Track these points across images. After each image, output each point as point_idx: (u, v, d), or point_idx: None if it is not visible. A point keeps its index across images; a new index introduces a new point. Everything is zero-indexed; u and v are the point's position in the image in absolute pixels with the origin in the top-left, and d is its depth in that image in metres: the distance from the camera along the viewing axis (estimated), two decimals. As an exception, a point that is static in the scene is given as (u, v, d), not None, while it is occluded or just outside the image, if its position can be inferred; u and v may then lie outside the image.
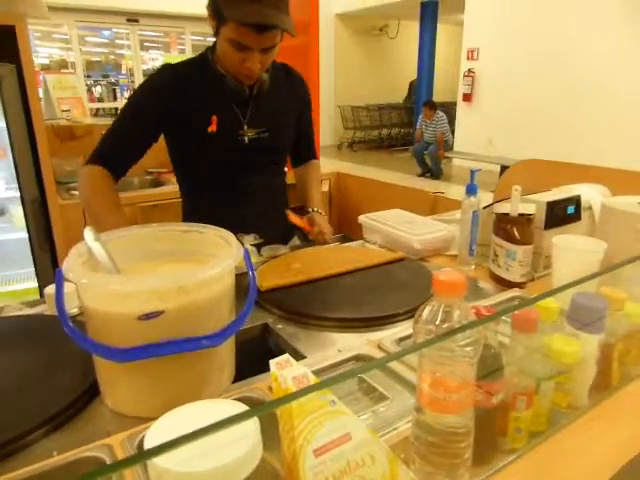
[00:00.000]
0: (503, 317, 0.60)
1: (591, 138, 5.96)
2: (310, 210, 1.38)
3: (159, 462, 0.34)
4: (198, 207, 1.35)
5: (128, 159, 1.23)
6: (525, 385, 0.57)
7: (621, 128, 5.76)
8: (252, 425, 0.38)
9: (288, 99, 1.35)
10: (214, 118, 1.20)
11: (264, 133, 1.27)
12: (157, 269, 0.77)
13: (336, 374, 0.70)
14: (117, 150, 1.21)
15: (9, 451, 0.61)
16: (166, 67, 1.24)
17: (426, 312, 0.50)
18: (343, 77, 10.20)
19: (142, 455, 0.32)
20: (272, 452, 0.49)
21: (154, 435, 0.37)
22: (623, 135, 5.74)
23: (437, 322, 0.49)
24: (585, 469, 0.58)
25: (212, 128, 1.20)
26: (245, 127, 1.25)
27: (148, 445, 0.36)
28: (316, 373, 0.55)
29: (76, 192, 2.43)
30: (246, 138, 1.25)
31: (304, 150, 1.50)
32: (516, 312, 0.56)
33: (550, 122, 6.51)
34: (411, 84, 10.79)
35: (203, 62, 1.23)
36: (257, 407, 0.34)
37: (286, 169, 1.47)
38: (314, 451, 0.48)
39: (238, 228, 1.06)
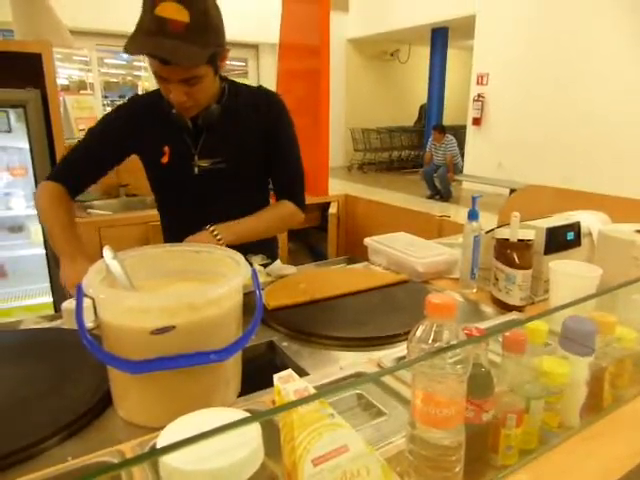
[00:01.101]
0: (495, 338, 0.63)
1: (598, 165, 5.98)
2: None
3: (170, 461, 0.38)
4: (167, 228, 1.39)
5: (84, 179, 1.25)
6: (515, 404, 0.60)
7: (631, 156, 5.78)
8: (254, 431, 0.42)
9: (252, 126, 1.26)
10: (166, 149, 1.22)
11: (220, 163, 1.24)
12: (169, 287, 0.81)
13: (333, 387, 0.73)
14: (74, 170, 1.23)
15: (25, 456, 0.65)
16: (132, 98, 1.28)
17: (419, 332, 0.54)
18: (354, 100, 10.38)
19: (154, 452, 0.36)
20: (274, 461, 0.53)
21: (166, 436, 0.41)
22: (632, 162, 5.76)
23: (429, 341, 0.53)
24: (574, 487, 0.60)
25: (165, 159, 1.22)
26: (196, 158, 1.23)
27: (161, 445, 0.39)
28: (317, 389, 0.58)
29: (92, 210, 2.50)
30: (196, 169, 1.24)
31: (279, 184, 1.35)
32: (506, 333, 0.60)
33: (559, 147, 6.55)
34: (421, 108, 10.93)
35: (160, 95, 1.18)
36: (259, 413, 0.37)
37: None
38: (313, 460, 0.51)
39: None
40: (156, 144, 1.23)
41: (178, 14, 0.97)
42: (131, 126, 1.23)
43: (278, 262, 1.40)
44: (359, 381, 0.42)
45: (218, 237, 1.12)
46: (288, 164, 1.33)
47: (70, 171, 1.23)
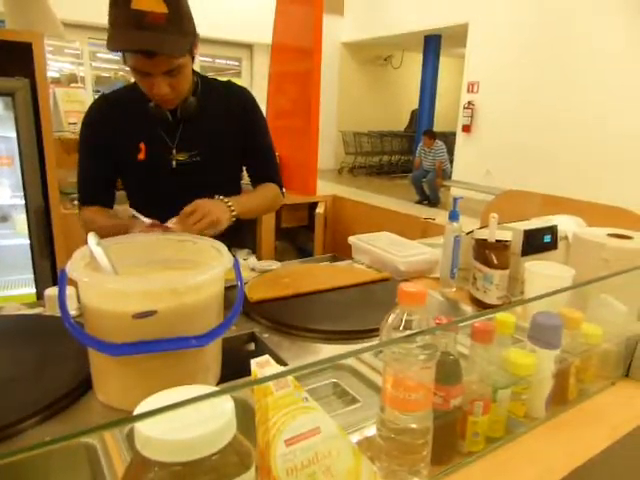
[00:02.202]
0: (465, 332, 0.66)
1: (586, 174, 6.09)
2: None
3: (144, 430, 0.39)
4: None
5: (107, 190, 1.28)
6: (482, 392, 0.63)
7: (616, 165, 5.90)
8: (227, 404, 0.43)
9: (224, 120, 1.28)
10: (142, 146, 1.21)
11: (197, 157, 1.25)
12: (153, 274, 0.82)
13: (309, 372, 0.74)
14: (93, 188, 1.27)
15: (5, 435, 0.66)
16: (100, 98, 1.27)
17: (391, 319, 0.56)
18: (347, 103, 10.43)
19: (130, 419, 0.38)
20: (249, 441, 0.55)
21: (143, 408, 0.43)
22: (617, 171, 5.88)
23: (400, 328, 0.55)
24: (535, 473, 0.63)
25: (141, 155, 1.21)
26: (174, 151, 1.23)
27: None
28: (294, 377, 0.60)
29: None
30: (174, 162, 1.23)
31: (259, 174, 1.38)
32: (475, 324, 0.62)
33: (546, 156, 6.66)
34: (413, 113, 11.03)
35: (134, 90, 1.20)
36: (231, 386, 0.39)
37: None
38: (285, 441, 0.53)
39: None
40: (131, 141, 1.22)
41: (156, 5, 0.97)
42: (106, 126, 1.22)
43: (253, 258, 1.41)
44: (330, 359, 0.44)
45: (232, 208, 1.12)
46: (267, 153, 1.38)
47: (90, 194, 1.27)
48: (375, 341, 0.98)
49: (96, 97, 1.28)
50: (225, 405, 0.43)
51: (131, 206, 1.33)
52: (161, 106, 1.18)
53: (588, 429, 0.72)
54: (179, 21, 1.02)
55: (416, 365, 0.54)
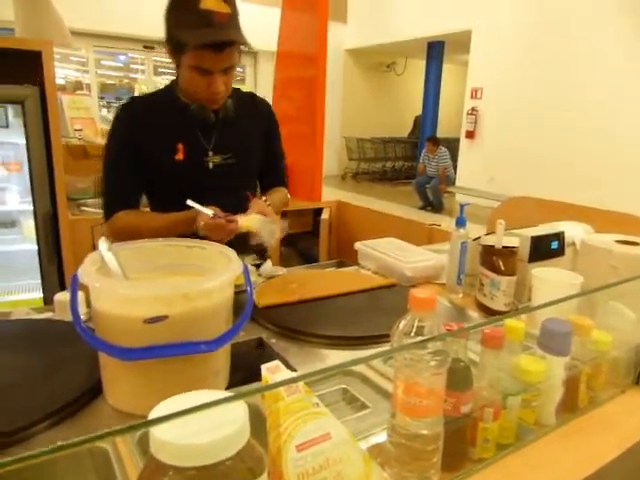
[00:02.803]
0: (475, 338, 0.66)
1: (590, 181, 6.08)
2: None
3: (159, 434, 0.40)
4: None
5: (135, 194, 1.29)
6: (493, 398, 0.63)
7: (622, 171, 5.89)
8: (241, 410, 0.44)
9: (253, 126, 1.36)
10: (180, 146, 1.24)
11: (230, 159, 1.29)
12: (162, 279, 0.83)
13: (319, 378, 0.75)
14: (121, 194, 1.27)
15: (16, 439, 0.66)
16: (129, 102, 1.29)
17: (402, 325, 0.56)
18: (350, 109, 10.47)
19: (145, 423, 0.38)
20: (262, 447, 0.55)
21: (157, 413, 0.43)
22: (623, 178, 5.87)
23: (412, 334, 0.55)
24: (547, 480, 0.63)
25: (179, 156, 1.24)
26: (210, 153, 1.27)
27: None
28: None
29: (85, 208, 2.51)
30: (211, 164, 1.27)
31: (272, 178, 1.46)
32: (485, 330, 0.62)
33: (550, 163, 6.65)
34: (416, 119, 11.05)
35: (168, 93, 1.26)
36: (245, 391, 0.40)
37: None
38: (297, 446, 0.53)
39: None
40: (167, 142, 1.24)
41: (220, 7, 1.07)
42: (138, 127, 1.24)
43: (269, 263, 1.42)
44: (341, 365, 0.44)
45: (270, 207, 1.20)
46: (281, 159, 1.49)
47: (119, 199, 1.26)
48: (382, 347, 0.99)
49: (123, 101, 1.31)
50: (239, 410, 0.44)
51: (155, 209, 1.34)
52: (206, 107, 1.22)
53: (598, 437, 0.72)
54: (237, 21, 1.13)
55: (427, 371, 0.54)
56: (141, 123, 1.24)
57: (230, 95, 1.27)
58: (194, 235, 1.08)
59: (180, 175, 1.28)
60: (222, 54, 1.10)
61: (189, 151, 1.25)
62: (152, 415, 0.44)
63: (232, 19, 1.10)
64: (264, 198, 1.24)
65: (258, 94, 1.44)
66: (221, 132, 1.28)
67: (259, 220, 1.11)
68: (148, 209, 1.34)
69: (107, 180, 1.27)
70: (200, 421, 0.41)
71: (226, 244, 0.89)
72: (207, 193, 1.23)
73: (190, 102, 1.22)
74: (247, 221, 1.10)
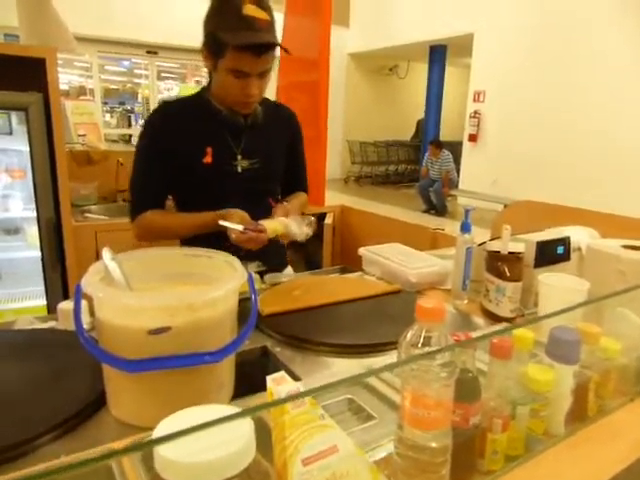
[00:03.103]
0: (483, 348, 0.65)
1: (593, 183, 6.06)
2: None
3: (164, 452, 0.39)
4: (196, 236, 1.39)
5: (162, 196, 1.34)
6: (501, 409, 0.62)
7: (626, 175, 5.87)
8: (246, 426, 0.43)
9: (278, 132, 1.41)
10: (209, 150, 1.27)
11: (256, 164, 1.33)
12: (167, 289, 0.82)
13: (323, 386, 0.74)
14: (149, 195, 1.31)
15: (19, 453, 0.66)
16: (161, 106, 1.34)
17: (409, 336, 0.55)
18: (353, 113, 10.48)
19: (150, 442, 0.37)
20: (267, 460, 0.54)
21: (162, 430, 0.43)
22: (628, 181, 5.84)
23: (419, 345, 0.54)
24: (557, 493, 0.62)
25: (207, 159, 1.27)
26: (239, 157, 1.31)
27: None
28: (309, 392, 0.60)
29: (89, 215, 2.52)
30: (239, 168, 1.31)
31: (294, 184, 1.51)
32: (493, 340, 0.61)
33: (553, 165, 6.64)
34: (419, 122, 11.05)
35: (200, 99, 1.31)
36: (251, 408, 0.39)
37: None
38: (302, 460, 0.52)
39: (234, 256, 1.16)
40: (197, 145, 1.28)
41: (261, 14, 1.14)
42: (169, 131, 1.28)
43: (289, 268, 1.48)
44: (350, 379, 0.43)
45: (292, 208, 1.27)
46: (304, 166, 1.55)
47: (146, 200, 1.30)
48: (388, 354, 0.98)
49: (156, 106, 1.37)
50: (244, 426, 0.43)
51: (181, 211, 1.37)
52: (240, 111, 1.28)
53: (608, 447, 0.71)
54: (274, 28, 1.19)
55: (436, 382, 0.53)
56: (171, 127, 1.28)
57: (260, 102, 1.32)
58: (222, 238, 1.13)
59: (208, 178, 1.31)
60: (261, 57, 1.16)
61: (217, 155, 1.29)
62: (157, 431, 0.44)
63: (271, 25, 1.17)
64: (285, 203, 1.30)
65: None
66: (250, 137, 1.33)
67: (285, 223, 1.17)
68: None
69: (135, 181, 1.32)
70: (205, 438, 0.41)
71: (229, 249, 0.89)
72: (233, 196, 1.28)
73: (221, 107, 1.27)
74: (273, 226, 1.16)
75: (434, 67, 9.35)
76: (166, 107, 1.34)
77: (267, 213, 1.26)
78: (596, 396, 0.76)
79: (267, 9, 1.15)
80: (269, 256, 1.36)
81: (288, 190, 1.50)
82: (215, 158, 1.28)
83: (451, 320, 1.19)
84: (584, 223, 1.40)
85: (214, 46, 1.18)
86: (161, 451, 0.39)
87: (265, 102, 1.38)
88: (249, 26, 1.12)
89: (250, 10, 1.12)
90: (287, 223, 1.17)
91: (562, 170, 6.52)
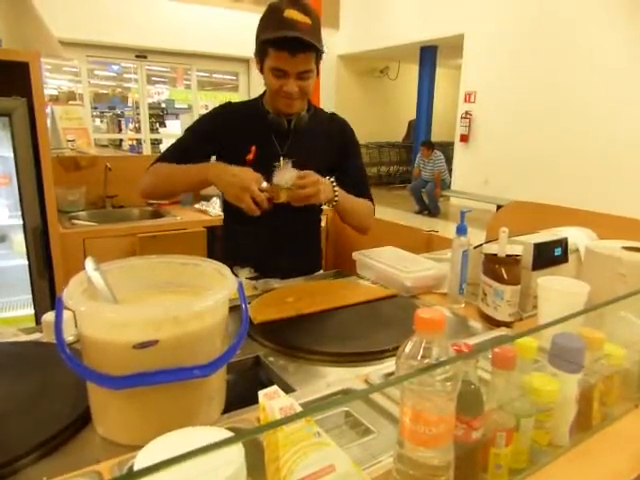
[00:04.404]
0: (484, 354, 0.63)
1: (585, 183, 6.08)
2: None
3: (147, 484, 0.36)
4: (233, 238, 1.50)
5: (186, 163, 1.36)
6: (505, 422, 0.59)
7: (618, 174, 5.90)
8: (236, 451, 0.40)
9: (327, 141, 1.45)
10: (253, 148, 1.34)
11: (299, 167, 1.28)
12: (153, 299, 0.79)
13: (318, 403, 0.71)
14: (177, 156, 1.36)
15: (2, 474, 0.62)
16: (226, 105, 1.44)
17: (408, 348, 0.53)
18: (344, 115, 10.29)
19: (130, 475, 0.34)
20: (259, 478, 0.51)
21: (144, 457, 0.39)
22: (619, 180, 5.87)
23: (418, 357, 0.52)
24: (564, 508, 0.59)
25: (250, 156, 1.34)
26: (282, 158, 1.37)
27: (138, 467, 0.38)
28: (304, 405, 0.57)
29: (77, 221, 2.47)
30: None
31: (354, 189, 1.43)
32: (496, 350, 0.59)
33: (544, 165, 6.67)
34: (410, 124, 11.07)
35: (255, 102, 1.42)
36: (241, 433, 0.36)
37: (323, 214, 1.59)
38: (297, 481, 0.49)
39: (261, 261, 1.35)
40: (244, 143, 1.35)
41: (302, 17, 1.20)
42: (224, 125, 1.38)
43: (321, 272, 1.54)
44: (346, 398, 0.41)
45: (336, 192, 1.30)
46: (362, 173, 1.56)
47: (172, 157, 1.36)
48: (384, 362, 0.95)
49: (222, 103, 1.46)
50: (234, 451, 0.40)
51: (226, 210, 1.50)
52: (281, 114, 1.34)
53: (614, 456, 0.68)
54: (318, 32, 1.25)
55: (437, 397, 0.50)
56: (226, 121, 1.39)
57: (308, 109, 1.40)
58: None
59: None
60: (297, 57, 1.21)
61: (261, 154, 1.34)
62: (140, 458, 0.41)
63: (312, 29, 1.21)
64: (332, 181, 1.30)
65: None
66: (295, 140, 1.39)
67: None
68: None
69: (172, 145, 1.41)
70: (192, 466, 0.38)
71: (221, 255, 0.86)
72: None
73: (270, 111, 1.36)
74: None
75: (425, 68, 9.36)
76: (228, 106, 1.43)
77: (299, 222, 1.42)
78: (600, 404, 0.73)
79: (309, 14, 1.21)
80: (300, 260, 1.45)
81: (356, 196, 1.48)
82: (258, 156, 1.34)
83: (448, 325, 1.16)
84: (579, 223, 1.38)
85: (259, 48, 1.27)
86: (143, 482, 0.36)
87: (317, 111, 1.46)
88: (289, 26, 1.18)
89: (291, 13, 1.19)
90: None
91: (554, 170, 6.54)
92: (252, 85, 9.16)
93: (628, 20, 5.69)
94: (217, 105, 1.45)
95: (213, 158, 1.41)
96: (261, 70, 1.30)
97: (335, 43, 9.90)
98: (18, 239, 2.03)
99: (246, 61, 9.06)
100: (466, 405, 0.55)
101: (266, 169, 1.29)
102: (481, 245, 1.24)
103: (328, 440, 0.52)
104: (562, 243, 1.20)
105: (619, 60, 5.82)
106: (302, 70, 1.25)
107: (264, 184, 1.16)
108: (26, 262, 1.95)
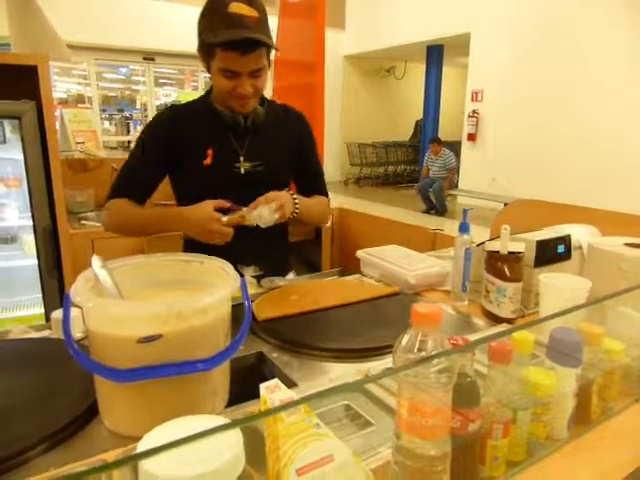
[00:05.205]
0: (482, 348, 0.63)
1: (593, 181, 6.04)
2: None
3: (149, 467, 0.37)
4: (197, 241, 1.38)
5: (143, 191, 1.30)
6: (502, 414, 0.60)
7: (624, 172, 5.85)
8: (235, 438, 0.41)
9: (285, 135, 1.38)
10: (209, 151, 1.26)
11: (260, 166, 1.30)
12: (159, 296, 0.81)
13: (315, 394, 0.72)
14: (131, 182, 1.29)
15: (9, 466, 0.64)
16: (170, 108, 1.34)
17: (404, 341, 0.54)
18: (351, 115, 10.47)
19: (132, 457, 0.36)
20: (260, 473, 0.52)
21: (147, 443, 0.41)
22: (626, 179, 5.82)
23: (415, 350, 0.53)
24: (561, 499, 0.60)
25: (208, 161, 1.26)
26: (242, 159, 1.29)
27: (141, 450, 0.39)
28: (304, 399, 0.58)
29: (85, 222, 2.50)
30: (242, 169, 1.29)
31: (310, 188, 1.45)
32: (492, 343, 0.60)
33: (552, 164, 6.62)
34: (417, 123, 11.05)
35: (203, 101, 1.32)
36: (238, 420, 0.37)
37: None
38: (297, 470, 0.50)
39: (233, 261, 1.13)
40: (199, 147, 1.27)
41: (249, 11, 1.11)
42: (174, 131, 1.27)
43: (291, 274, 1.48)
44: (341, 388, 0.42)
45: (296, 205, 1.22)
46: (318, 170, 1.50)
47: (127, 187, 1.28)
48: (386, 358, 0.96)
49: (163, 107, 1.39)
50: (233, 438, 0.41)
51: None
52: (236, 111, 1.25)
53: (613, 450, 0.69)
54: (266, 25, 1.17)
55: (433, 389, 0.51)
56: (175, 128, 1.28)
57: (261, 103, 1.31)
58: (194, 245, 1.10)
59: (209, 180, 1.29)
60: (248, 56, 1.13)
61: (219, 156, 1.27)
62: (142, 444, 0.42)
63: (260, 23, 1.13)
64: (293, 194, 1.24)
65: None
66: (254, 139, 1.31)
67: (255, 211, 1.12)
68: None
69: (123, 168, 1.31)
70: (191, 451, 0.39)
71: (226, 253, 0.87)
72: (235, 199, 1.21)
73: (222, 108, 1.26)
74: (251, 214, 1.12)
75: (431, 67, 9.34)
76: (172, 109, 1.33)
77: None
78: (600, 398, 0.74)
79: (256, 5, 1.12)
80: (269, 262, 1.34)
81: (305, 196, 1.41)
82: (216, 160, 1.27)
83: (451, 322, 1.18)
84: (585, 221, 1.38)
85: (204, 48, 1.18)
86: (145, 465, 0.38)
87: (271, 104, 1.37)
88: (234, 24, 1.10)
89: (236, 8, 1.09)
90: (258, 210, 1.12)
91: (561, 168, 6.50)
92: (259, 86, 9.19)
93: (638, 17, 5.64)
94: (158, 113, 1.35)
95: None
96: (208, 69, 1.22)
97: (341, 43, 9.92)
98: (28, 239, 2.06)
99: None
100: (463, 397, 0.56)
101: (226, 172, 1.27)
102: (484, 243, 1.24)
103: (327, 431, 0.53)
104: (565, 240, 1.20)
105: (629, 58, 5.77)
106: (255, 69, 1.17)
107: (224, 219, 1.10)
108: (36, 262, 1.99)
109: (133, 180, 1.29)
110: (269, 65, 1.23)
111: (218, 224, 1.08)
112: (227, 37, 1.10)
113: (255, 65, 1.16)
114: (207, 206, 1.11)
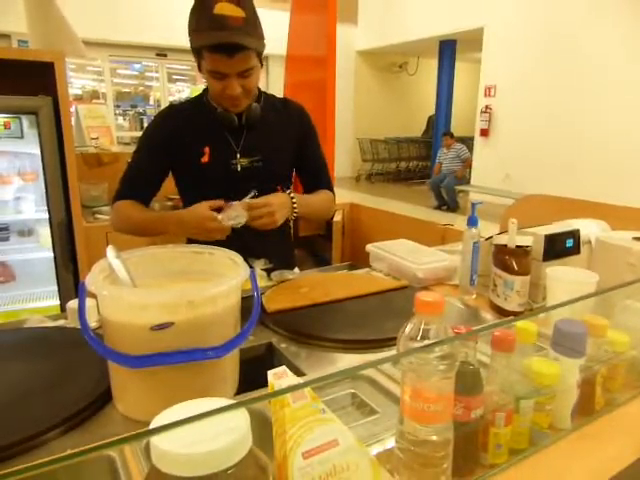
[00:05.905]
0: (485, 339, 0.64)
1: (607, 176, 5.96)
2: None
3: (159, 443, 0.39)
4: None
5: (147, 190, 1.33)
6: (504, 403, 0.61)
7: (636, 168, 5.76)
8: (242, 418, 0.43)
9: (285, 129, 1.37)
10: (206, 149, 1.27)
11: (258, 162, 1.31)
12: (170, 286, 0.83)
13: (326, 383, 0.74)
14: (135, 183, 1.31)
15: (25, 448, 0.67)
16: (167, 107, 1.36)
17: (408, 329, 0.55)
18: (363, 111, 10.45)
19: (146, 432, 0.38)
20: (266, 454, 0.54)
21: (159, 421, 0.43)
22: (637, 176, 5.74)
23: (418, 338, 0.54)
24: (562, 487, 0.61)
25: (205, 159, 1.27)
26: (238, 155, 1.29)
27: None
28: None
29: (100, 215, 2.55)
30: (239, 166, 1.29)
31: (314, 182, 1.46)
32: (495, 332, 0.61)
33: (565, 159, 6.54)
34: (429, 119, 10.98)
35: (200, 100, 1.33)
36: (245, 400, 0.39)
37: None
38: (303, 453, 0.52)
39: (242, 254, 1.16)
40: (197, 145, 1.28)
41: (234, 11, 1.09)
42: (174, 130, 1.29)
43: (296, 269, 1.47)
44: (345, 372, 0.43)
45: (295, 205, 1.23)
46: (321, 163, 1.48)
47: (131, 188, 1.31)
48: (393, 350, 0.97)
49: (162, 108, 1.39)
50: (240, 418, 0.43)
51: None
52: (229, 110, 1.25)
53: (615, 441, 0.70)
54: (254, 25, 1.15)
55: (435, 376, 0.53)
56: (176, 127, 1.29)
57: (257, 99, 1.31)
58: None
59: (207, 178, 1.30)
60: (235, 57, 1.12)
61: (216, 154, 1.28)
62: (154, 424, 0.44)
63: (247, 23, 1.11)
64: (291, 195, 1.25)
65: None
66: (250, 135, 1.31)
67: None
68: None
69: (127, 170, 1.32)
70: (201, 430, 0.41)
71: (237, 246, 0.89)
72: (233, 195, 1.22)
73: (217, 106, 1.27)
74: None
75: (444, 62, 9.27)
76: (170, 110, 1.34)
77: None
78: (604, 389, 0.75)
79: (243, 4, 1.11)
80: (275, 256, 1.36)
81: (310, 189, 1.45)
82: (213, 157, 1.27)
83: (459, 315, 1.19)
84: (596, 216, 1.38)
85: (193, 48, 1.17)
86: (156, 442, 0.40)
87: (269, 99, 1.36)
88: (219, 26, 1.08)
89: (222, 8, 1.08)
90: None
91: (575, 164, 6.42)
92: (270, 82, 9.22)
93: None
94: (157, 113, 1.36)
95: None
96: (199, 69, 1.22)
97: (353, 39, 9.88)
98: (44, 233, 2.11)
99: (264, 58, 9.11)
100: (465, 385, 0.58)
101: (223, 169, 1.28)
102: (492, 237, 1.25)
103: (332, 417, 0.55)
104: (574, 235, 1.20)
105: (644, 51, 5.68)
106: (242, 70, 1.16)
107: (219, 216, 1.11)
108: (52, 255, 2.03)
109: (136, 181, 1.32)
110: (261, 63, 1.22)
111: (215, 222, 1.10)
112: (209, 41, 1.10)
113: (243, 66, 1.15)
114: (202, 207, 1.13)
